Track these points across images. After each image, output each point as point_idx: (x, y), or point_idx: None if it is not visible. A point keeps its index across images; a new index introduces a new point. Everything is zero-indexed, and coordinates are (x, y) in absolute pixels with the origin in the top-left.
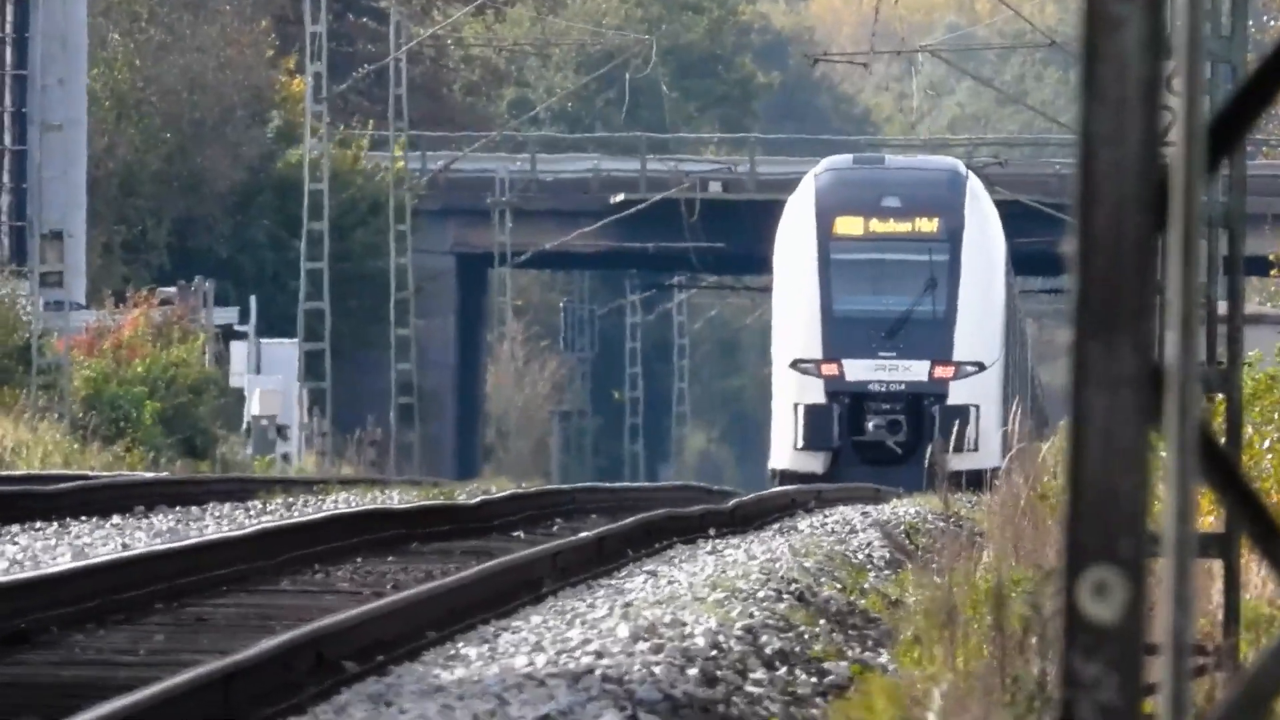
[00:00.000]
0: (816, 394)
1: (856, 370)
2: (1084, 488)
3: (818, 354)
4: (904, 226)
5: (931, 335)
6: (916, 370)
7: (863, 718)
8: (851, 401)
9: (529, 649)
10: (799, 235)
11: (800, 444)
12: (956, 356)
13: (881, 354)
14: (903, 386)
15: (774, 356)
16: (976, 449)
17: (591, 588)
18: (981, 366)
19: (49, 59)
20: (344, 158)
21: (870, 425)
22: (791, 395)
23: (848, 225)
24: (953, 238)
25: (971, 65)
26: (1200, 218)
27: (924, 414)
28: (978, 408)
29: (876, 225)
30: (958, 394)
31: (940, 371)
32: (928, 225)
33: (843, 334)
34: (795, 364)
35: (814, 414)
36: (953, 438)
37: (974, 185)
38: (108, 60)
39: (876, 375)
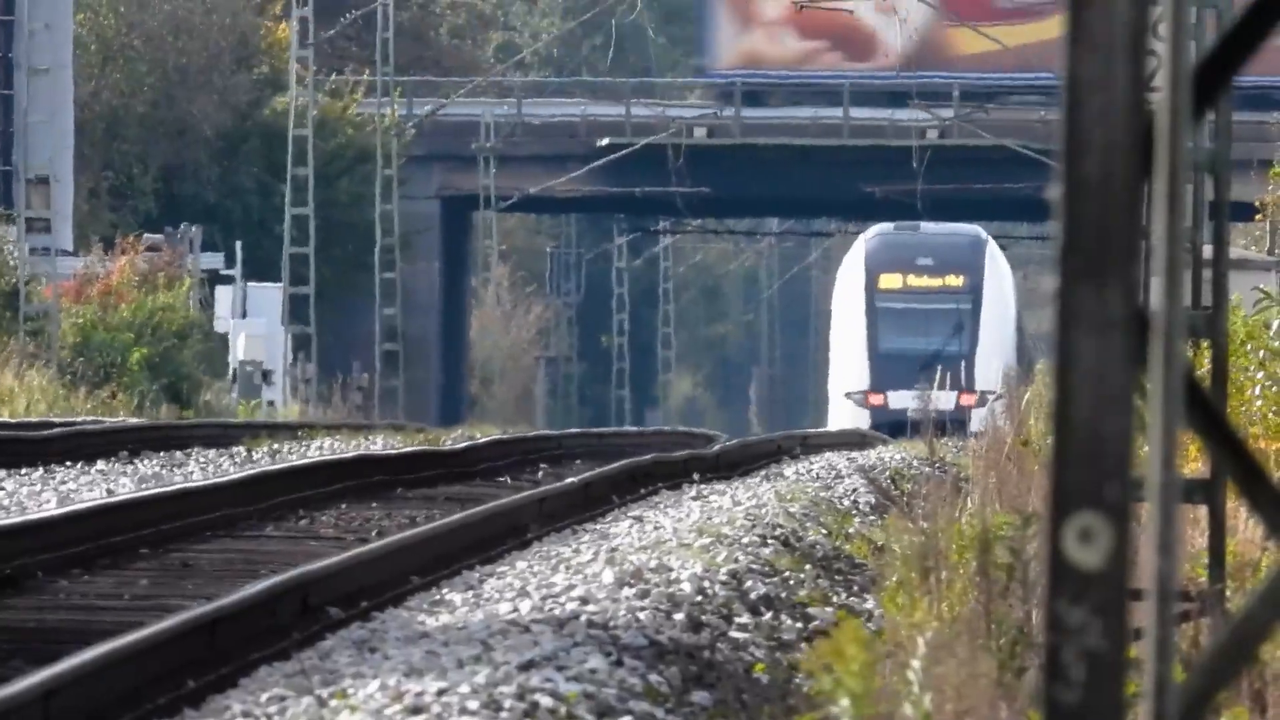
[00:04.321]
0: (864, 422)
1: (897, 400)
2: (1070, 432)
3: (866, 386)
4: (935, 282)
5: (958, 370)
6: (946, 399)
7: (834, 662)
8: (891, 430)
9: (514, 595)
10: (851, 288)
11: None
12: (978, 387)
13: (917, 386)
14: (934, 414)
15: (830, 389)
16: None
17: (577, 533)
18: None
19: (35, 4)
20: (334, 107)
21: None
22: (845, 423)
23: (890, 281)
24: (975, 291)
25: None
26: (1185, 163)
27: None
28: None
29: (913, 281)
30: (979, 419)
31: (965, 400)
32: (955, 281)
33: (887, 369)
34: (848, 395)
35: None
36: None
37: (992, 247)
38: (93, 5)
39: (914, 404)
